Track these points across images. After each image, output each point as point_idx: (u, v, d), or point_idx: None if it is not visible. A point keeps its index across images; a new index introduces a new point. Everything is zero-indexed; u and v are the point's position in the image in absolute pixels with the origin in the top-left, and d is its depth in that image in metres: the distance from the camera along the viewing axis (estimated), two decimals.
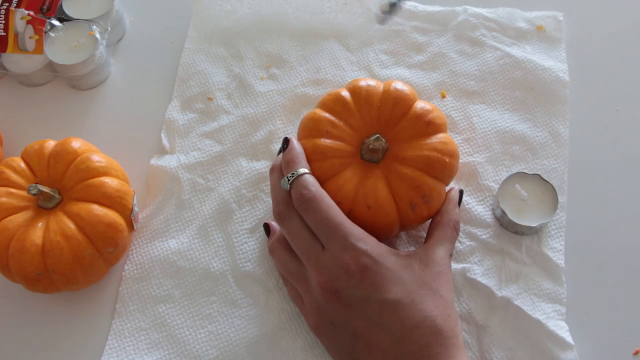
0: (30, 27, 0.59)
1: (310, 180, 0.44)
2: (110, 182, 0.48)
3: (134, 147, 0.57)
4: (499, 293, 0.48)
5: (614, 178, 0.54)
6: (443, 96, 0.58)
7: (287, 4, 0.63)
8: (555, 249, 0.50)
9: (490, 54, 0.59)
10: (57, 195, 0.47)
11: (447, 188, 0.48)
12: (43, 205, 0.47)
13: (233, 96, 0.59)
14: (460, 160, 0.53)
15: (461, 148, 0.55)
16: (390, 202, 0.45)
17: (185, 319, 0.49)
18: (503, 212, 0.49)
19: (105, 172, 0.49)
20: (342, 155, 0.46)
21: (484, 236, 0.51)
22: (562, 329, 0.46)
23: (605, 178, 0.54)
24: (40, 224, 0.46)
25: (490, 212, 0.52)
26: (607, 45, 0.61)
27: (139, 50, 0.63)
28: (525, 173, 0.51)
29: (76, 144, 0.50)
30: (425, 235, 0.50)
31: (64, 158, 0.49)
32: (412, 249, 0.50)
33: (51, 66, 0.59)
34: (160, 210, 0.53)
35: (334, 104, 0.48)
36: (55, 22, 0.59)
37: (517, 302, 0.47)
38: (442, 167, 0.45)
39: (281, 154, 0.47)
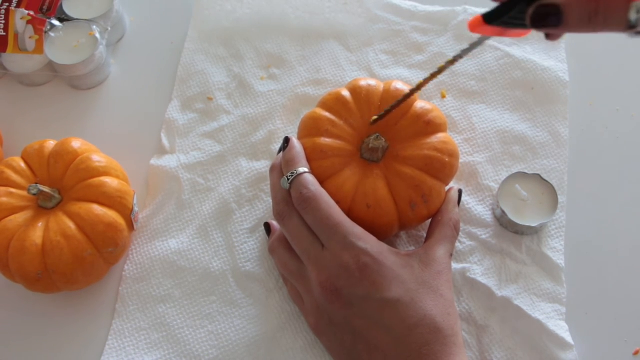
0: (30, 27, 0.59)
1: (310, 180, 0.44)
2: (110, 182, 0.48)
3: (134, 147, 0.57)
4: (499, 293, 0.48)
5: (614, 178, 0.54)
6: (443, 96, 0.58)
7: (287, 4, 0.63)
8: (555, 249, 0.50)
9: (490, 54, 0.59)
10: (57, 195, 0.47)
11: (447, 188, 0.48)
12: (43, 205, 0.47)
13: (233, 96, 0.59)
14: (460, 160, 0.53)
15: (461, 148, 0.55)
16: (389, 201, 0.45)
17: (185, 319, 0.49)
18: (503, 212, 0.49)
19: (105, 172, 0.49)
20: (342, 154, 0.46)
21: (484, 236, 0.51)
22: (562, 329, 0.46)
23: (605, 178, 0.54)
24: (40, 224, 0.46)
25: (490, 212, 0.52)
26: (607, 45, 0.61)
27: (139, 50, 0.63)
28: (525, 173, 0.51)
29: (76, 144, 0.50)
30: (425, 235, 0.50)
31: (64, 158, 0.49)
32: (412, 248, 0.50)
33: (51, 66, 0.59)
34: (160, 210, 0.53)
35: (334, 103, 0.48)
36: (56, 22, 0.59)
37: (517, 302, 0.47)
38: (442, 166, 0.45)
39: (281, 153, 0.47)
